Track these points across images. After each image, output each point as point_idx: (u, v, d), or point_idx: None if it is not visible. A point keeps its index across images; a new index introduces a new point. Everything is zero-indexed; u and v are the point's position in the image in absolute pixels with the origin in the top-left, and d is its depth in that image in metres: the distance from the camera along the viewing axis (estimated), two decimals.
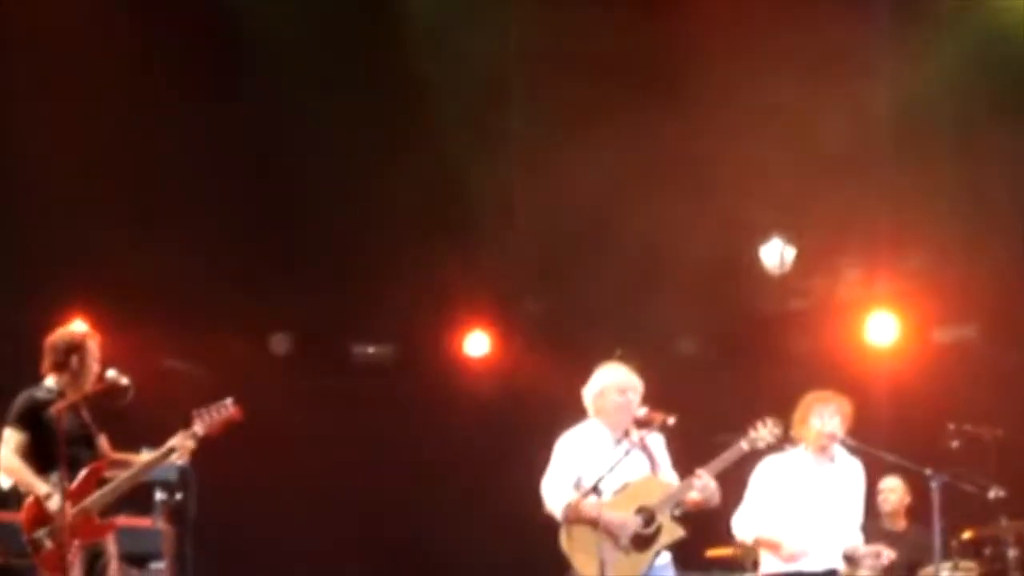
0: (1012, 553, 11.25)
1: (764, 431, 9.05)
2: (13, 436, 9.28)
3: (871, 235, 13.13)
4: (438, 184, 13.00)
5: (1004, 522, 11.20)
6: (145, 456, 9.47)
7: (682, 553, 9.03)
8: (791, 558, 9.35)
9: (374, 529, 13.50)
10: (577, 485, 8.67)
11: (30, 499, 9.13)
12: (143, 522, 10.51)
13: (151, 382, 9.60)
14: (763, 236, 13.44)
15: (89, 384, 9.36)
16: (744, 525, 9.48)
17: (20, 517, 9.16)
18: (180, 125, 12.49)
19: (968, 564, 11.40)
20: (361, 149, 12.85)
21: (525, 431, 11.47)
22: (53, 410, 9.13)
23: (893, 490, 11.78)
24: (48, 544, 9.06)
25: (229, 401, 9.36)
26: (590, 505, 8.54)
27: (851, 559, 9.70)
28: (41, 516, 9.09)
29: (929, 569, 10.90)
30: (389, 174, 13.00)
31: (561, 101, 12.53)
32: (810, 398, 9.51)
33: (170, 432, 9.33)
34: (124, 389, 9.26)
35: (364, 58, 12.65)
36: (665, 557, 8.85)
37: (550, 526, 8.76)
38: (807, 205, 12.72)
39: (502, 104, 12.71)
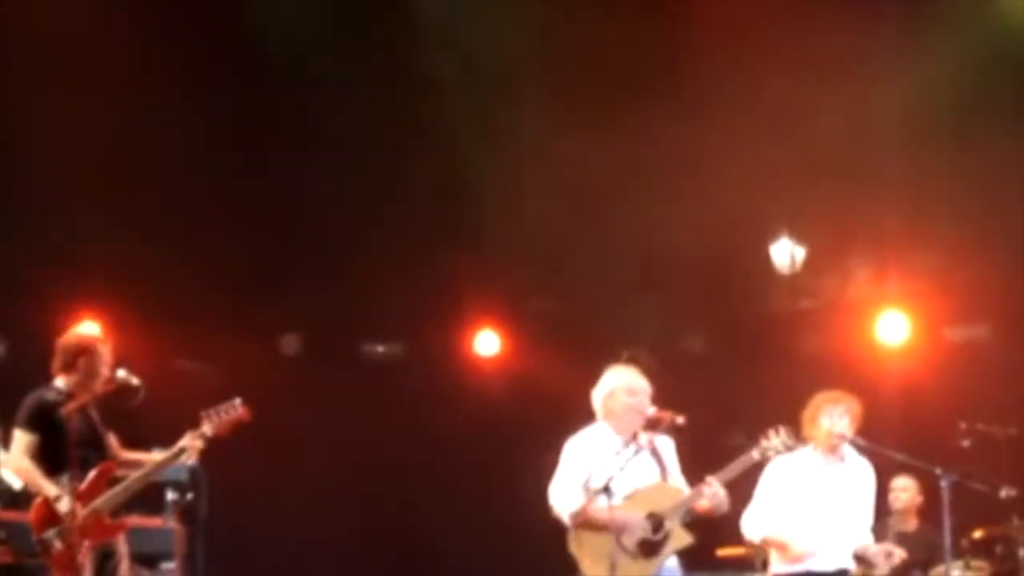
0: (1023, 552, 11.23)
1: (776, 441, 9.05)
2: (23, 437, 9.30)
3: (882, 234, 13.11)
4: (447, 183, 12.99)
5: (1015, 521, 11.19)
6: (156, 456, 9.49)
7: (693, 553, 9.02)
8: (798, 558, 9.34)
9: (383, 528, 13.51)
10: (586, 488, 8.66)
11: (39, 499, 9.15)
12: (154, 522, 10.53)
13: (161, 382, 9.61)
14: (773, 235, 13.43)
15: (98, 386, 9.37)
16: (753, 525, 9.47)
17: (29, 517, 9.17)
18: (188, 125, 12.47)
19: (979, 563, 11.39)
20: (371, 148, 12.84)
21: (534, 430, 11.46)
22: (64, 411, 9.14)
23: (905, 489, 11.77)
24: (58, 545, 9.07)
25: (237, 401, 9.37)
26: (599, 508, 8.53)
27: (862, 559, 9.69)
28: (50, 517, 9.10)
29: (940, 568, 10.89)
30: (399, 173, 13.00)
31: (570, 100, 12.51)
32: (820, 398, 9.49)
33: (180, 432, 9.35)
34: (135, 390, 9.28)
35: (374, 57, 12.64)
36: (672, 560, 8.84)
37: (558, 528, 8.76)
38: (818, 204, 12.70)
39: (511, 103, 12.69)
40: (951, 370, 13.01)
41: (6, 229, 12.66)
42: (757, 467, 9.31)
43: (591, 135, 12.24)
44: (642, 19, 12.24)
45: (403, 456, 13.50)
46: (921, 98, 12.29)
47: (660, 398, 8.97)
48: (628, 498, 8.69)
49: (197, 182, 12.68)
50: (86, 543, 9.08)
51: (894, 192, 12.75)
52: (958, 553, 10.92)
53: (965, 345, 13.44)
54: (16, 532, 9.52)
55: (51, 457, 9.20)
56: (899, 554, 9.82)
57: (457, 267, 13.07)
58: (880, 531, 10.09)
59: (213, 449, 9.44)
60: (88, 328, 11.76)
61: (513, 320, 14.05)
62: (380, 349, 14.29)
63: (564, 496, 8.71)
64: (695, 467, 9.01)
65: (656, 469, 8.87)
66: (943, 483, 9.55)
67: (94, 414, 9.44)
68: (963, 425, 11.50)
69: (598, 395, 9.01)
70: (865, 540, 9.63)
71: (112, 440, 9.51)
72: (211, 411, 9.33)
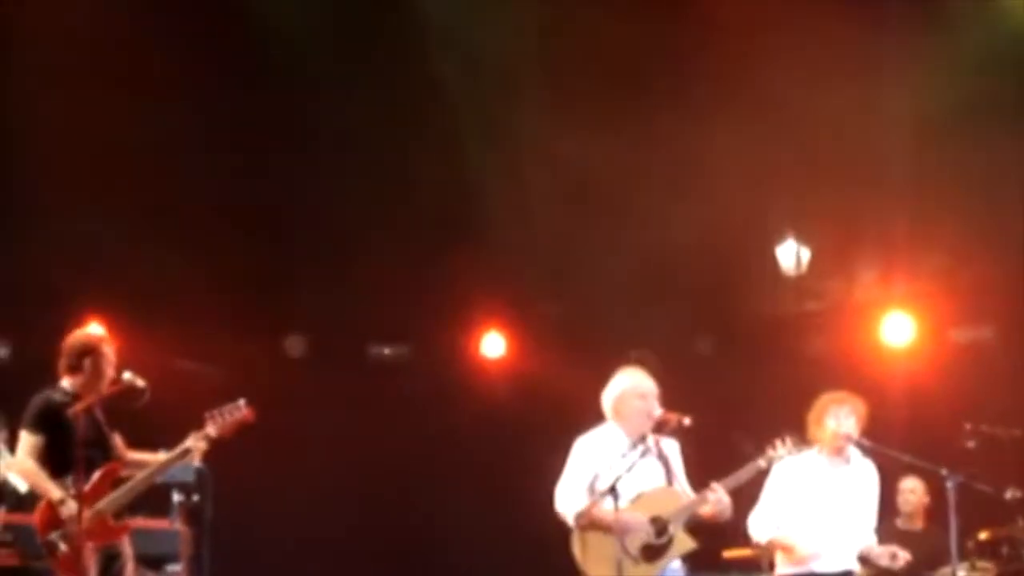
0: None
1: (783, 450, 9.07)
2: (29, 438, 9.29)
3: (887, 236, 13.09)
4: (451, 183, 12.99)
5: (1021, 522, 11.19)
6: (162, 457, 9.49)
7: (699, 555, 9.03)
8: (803, 560, 9.33)
9: (390, 530, 13.50)
10: (591, 488, 8.66)
11: (43, 502, 9.14)
12: (160, 523, 10.52)
13: (165, 384, 9.60)
14: (779, 237, 13.43)
15: (103, 387, 9.36)
16: (758, 526, 9.47)
17: (34, 520, 9.17)
18: (188, 125, 12.47)
19: (985, 564, 11.38)
20: (373, 148, 12.84)
21: (540, 432, 11.47)
22: (70, 413, 9.14)
23: (913, 491, 11.77)
24: (63, 547, 9.07)
25: (242, 402, 9.37)
26: (604, 510, 8.53)
27: (866, 560, 9.69)
28: (54, 519, 9.10)
29: (946, 570, 10.86)
30: (402, 174, 12.99)
31: (574, 100, 12.50)
32: (825, 399, 9.49)
33: (185, 433, 9.35)
34: (140, 391, 9.27)
35: (375, 57, 12.63)
36: (676, 563, 8.84)
37: (563, 530, 8.75)
38: (823, 206, 12.70)
39: (514, 103, 12.68)
40: (956, 371, 13.00)
41: (9, 231, 12.67)
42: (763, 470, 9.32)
43: (596, 136, 12.23)
44: (647, 19, 12.22)
45: (409, 458, 13.50)
46: (926, 100, 12.27)
47: (666, 399, 8.97)
48: (633, 501, 8.68)
49: (199, 182, 12.67)
50: (91, 545, 9.08)
51: (899, 194, 12.74)
52: (964, 554, 10.92)
53: (970, 346, 13.43)
54: (22, 534, 9.53)
55: (57, 458, 9.19)
56: (903, 556, 9.82)
57: (463, 269, 13.05)
58: (885, 532, 10.08)
59: (219, 450, 9.43)
60: (93, 329, 11.75)
61: (519, 322, 14.04)
62: (386, 351, 14.29)
63: (569, 497, 8.71)
64: (701, 468, 9.00)
65: (662, 472, 8.87)
66: (949, 484, 9.53)
67: (99, 415, 9.44)
68: (968, 426, 11.49)
69: (608, 397, 9.01)
70: (869, 541, 9.63)
71: (117, 441, 9.51)
72: (215, 412, 9.32)
